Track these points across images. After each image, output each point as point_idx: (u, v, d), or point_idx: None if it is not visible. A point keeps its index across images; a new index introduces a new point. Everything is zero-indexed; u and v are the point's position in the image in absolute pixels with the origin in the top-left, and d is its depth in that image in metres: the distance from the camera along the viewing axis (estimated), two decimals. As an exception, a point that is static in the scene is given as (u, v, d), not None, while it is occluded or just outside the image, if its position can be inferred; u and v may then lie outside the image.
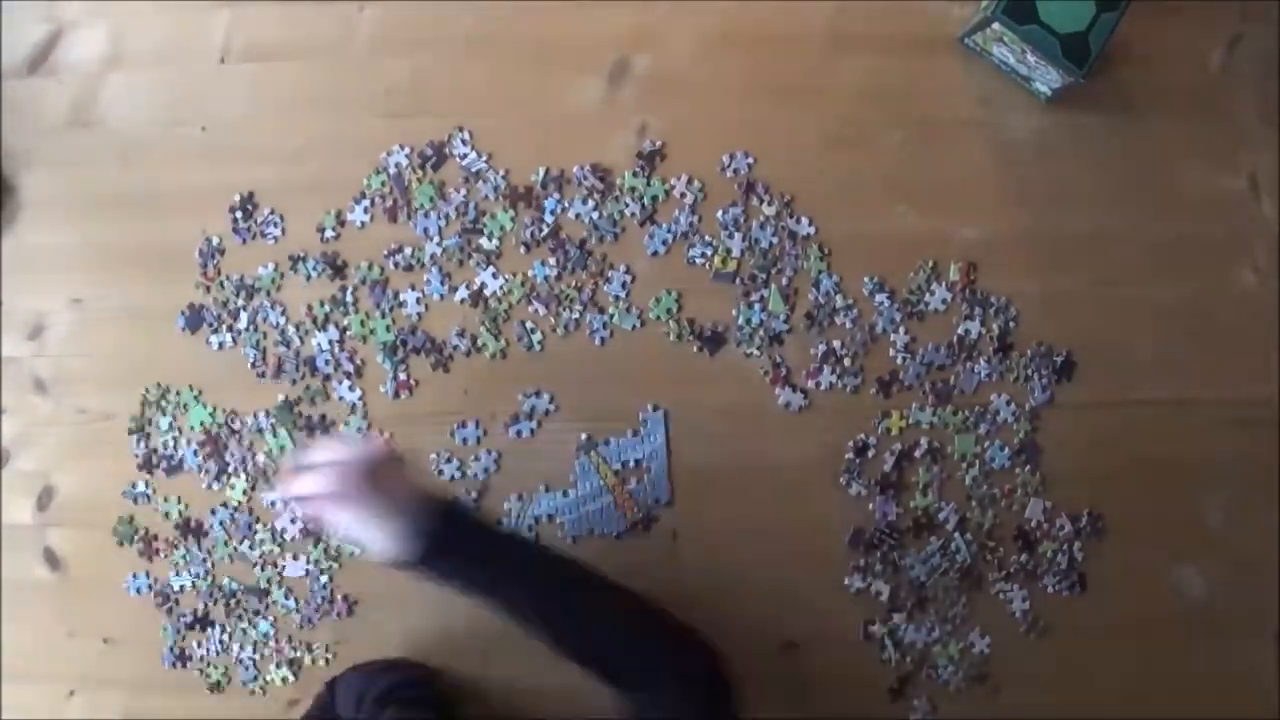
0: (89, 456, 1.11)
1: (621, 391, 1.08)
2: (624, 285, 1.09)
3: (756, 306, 1.08)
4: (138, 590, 1.09)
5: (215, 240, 1.11)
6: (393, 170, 1.10)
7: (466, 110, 1.11)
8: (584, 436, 1.08)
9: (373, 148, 1.11)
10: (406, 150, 1.10)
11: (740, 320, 1.08)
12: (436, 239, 1.09)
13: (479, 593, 0.87)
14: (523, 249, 1.09)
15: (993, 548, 1.07)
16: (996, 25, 1.01)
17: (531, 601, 0.87)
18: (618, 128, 1.10)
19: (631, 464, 1.07)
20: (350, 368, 1.09)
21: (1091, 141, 1.10)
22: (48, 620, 1.11)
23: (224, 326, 1.10)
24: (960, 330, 1.08)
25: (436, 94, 1.11)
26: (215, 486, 1.09)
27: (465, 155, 1.10)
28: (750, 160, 1.10)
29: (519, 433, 1.08)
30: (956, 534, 1.07)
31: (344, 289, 1.10)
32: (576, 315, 1.09)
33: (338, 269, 1.10)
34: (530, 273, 1.09)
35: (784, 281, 1.08)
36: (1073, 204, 1.10)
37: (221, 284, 1.10)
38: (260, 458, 1.09)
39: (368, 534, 0.84)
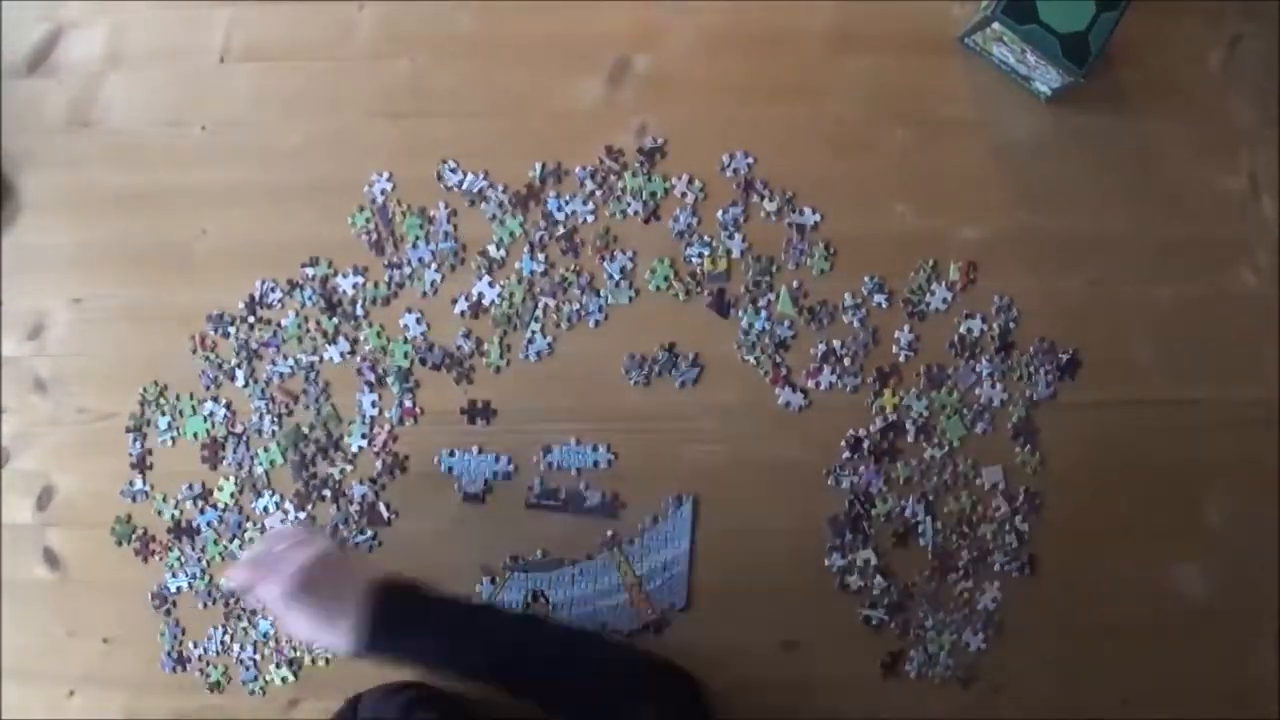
0: (89, 456, 1.11)
1: (623, 391, 1.09)
2: (623, 270, 1.09)
3: (763, 313, 1.08)
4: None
5: (225, 320, 1.11)
6: (378, 201, 1.10)
7: (466, 110, 1.11)
8: (609, 533, 1.07)
9: (373, 148, 1.11)
10: (387, 176, 1.10)
11: (744, 323, 1.08)
12: (434, 266, 1.09)
13: (443, 668, 0.89)
14: (528, 248, 1.09)
15: (965, 533, 1.07)
16: (996, 25, 1.01)
17: (496, 667, 0.88)
18: (618, 127, 1.11)
19: (658, 566, 1.06)
20: (372, 377, 1.09)
21: (1091, 141, 1.10)
22: (48, 620, 1.11)
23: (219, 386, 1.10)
24: (962, 330, 1.08)
25: (436, 94, 1.11)
26: (199, 503, 1.09)
27: (462, 180, 1.10)
28: (750, 160, 1.10)
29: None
30: (927, 518, 1.07)
31: (344, 313, 1.10)
32: (578, 306, 1.09)
33: (332, 305, 1.10)
34: (522, 268, 1.09)
35: (795, 284, 1.08)
36: (1073, 204, 1.10)
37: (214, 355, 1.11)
38: (259, 469, 1.09)
39: (318, 635, 0.86)
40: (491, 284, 1.09)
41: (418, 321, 1.09)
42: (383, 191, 1.10)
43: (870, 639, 1.07)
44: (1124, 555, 1.08)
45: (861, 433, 1.08)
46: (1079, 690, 1.07)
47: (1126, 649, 1.07)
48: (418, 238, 1.10)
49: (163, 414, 1.10)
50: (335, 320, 1.09)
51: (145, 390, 1.10)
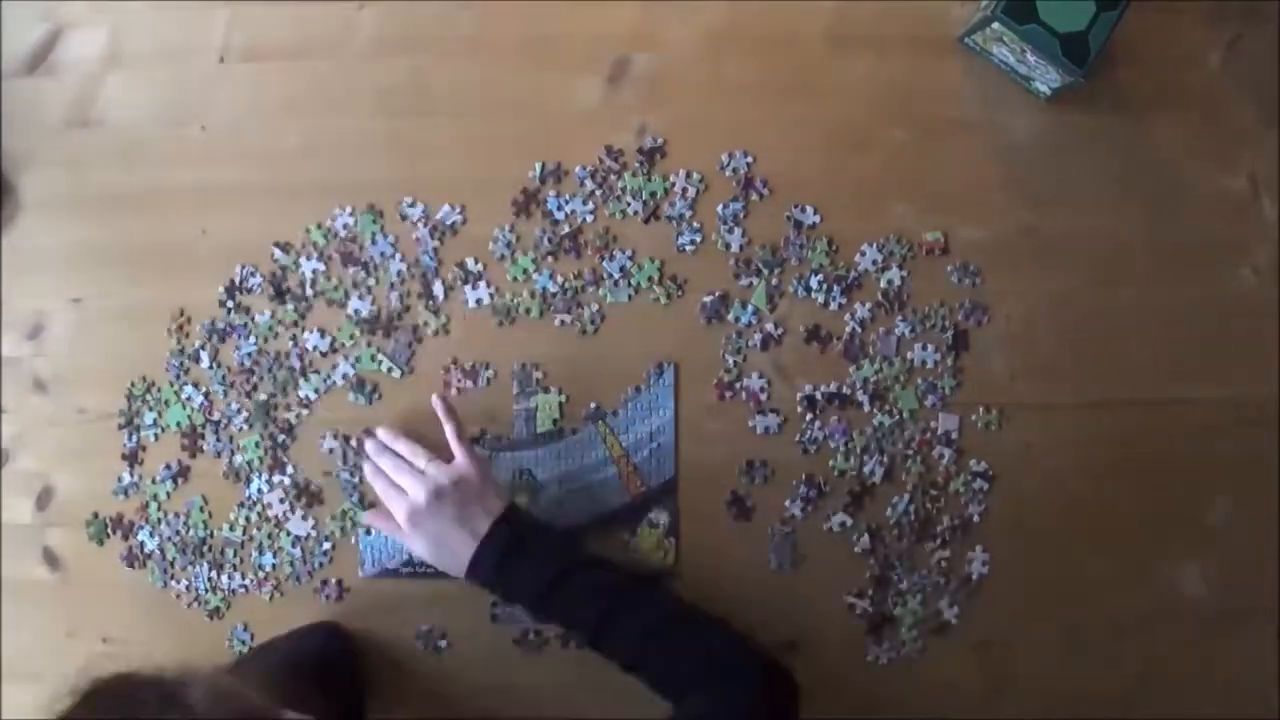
0: (89, 456, 1.11)
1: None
2: (623, 270, 1.09)
3: (749, 307, 1.08)
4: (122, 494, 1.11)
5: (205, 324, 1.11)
6: (341, 231, 1.10)
7: (466, 110, 1.11)
8: (594, 405, 1.07)
9: (373, 148, 1.11)
10: (350, 210, 1.10)
11: (730, 317, 1.08)
12: (433, 266, 1.09)
13: (544, 609, 0.92)
14: (530, 252, 1.09)
15: (934, 496, 1.08)
16: (996, 25, 1.01)
17: (602, 616, 0.90)
18: (618, 127, 1.10)
19: (644, 437, 1.06)
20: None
21: (1091, 141, 1.10)
22: (48, 620, 1.11)
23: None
24: (883, 283, 1.08)
25: (436, 94, 1.11)
26: (174, 487, 1.10)
27: (427, 217, 1.09)
28: (749, 160, 1.10)
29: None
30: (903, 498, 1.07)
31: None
32: (595, 309, 1.09)
33: (281, 293, 1.10)
34: (536, 284, 1.09)
35: (774, 282, 1.08)
36: (1073, 204, 1.10)
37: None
38: (237, 458, 1.09)
39: (437, 558, 0.93)
40: (489, 284, 1.09)
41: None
42: (346, 226, 1.10)
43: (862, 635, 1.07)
44: (1124, 554, 1.08)
45: (816, 393, 1.08)
46: (1078, 690, 1.07)
47: (1126, 648, 1.07)
48: (388, 259, 1.10)
49: (149, 408, 1.10)
50: (296, 307, 1.09)
51: (133, 385, 1.11)
